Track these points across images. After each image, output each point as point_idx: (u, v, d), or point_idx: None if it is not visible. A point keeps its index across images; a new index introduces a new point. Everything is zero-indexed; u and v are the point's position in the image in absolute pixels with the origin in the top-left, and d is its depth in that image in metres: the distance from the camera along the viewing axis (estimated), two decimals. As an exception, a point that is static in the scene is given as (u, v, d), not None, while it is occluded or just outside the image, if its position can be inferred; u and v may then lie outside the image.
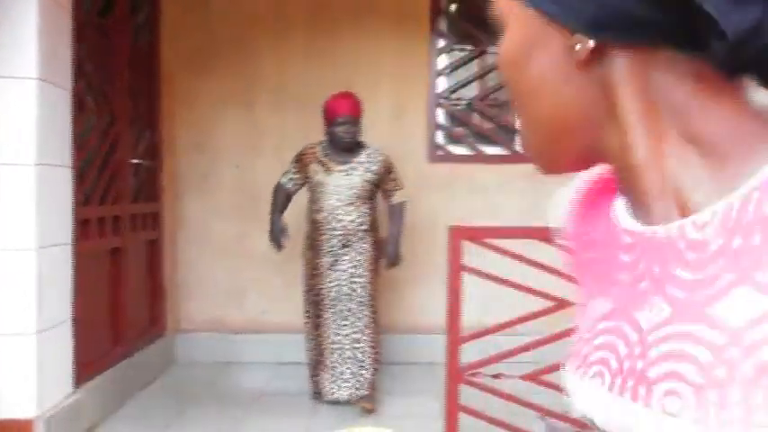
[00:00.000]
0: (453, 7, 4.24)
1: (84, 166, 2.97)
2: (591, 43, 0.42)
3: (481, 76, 4.29)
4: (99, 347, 3.09)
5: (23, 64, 2.41)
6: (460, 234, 2.63)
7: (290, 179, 3.39)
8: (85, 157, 2.98)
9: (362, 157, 3.28)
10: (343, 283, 3.20)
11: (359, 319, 3.20)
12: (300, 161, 3.36)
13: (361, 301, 3.20)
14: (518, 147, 4.24)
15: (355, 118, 3.25)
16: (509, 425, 2.69)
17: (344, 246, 3.21)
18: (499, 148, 4.24)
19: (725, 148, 0.41)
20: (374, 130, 3.88)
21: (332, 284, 3.21)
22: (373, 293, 3.28)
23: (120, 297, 3.34)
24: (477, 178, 4.19)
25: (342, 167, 3.23)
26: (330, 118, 3.24)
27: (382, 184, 3.35)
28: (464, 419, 2.63)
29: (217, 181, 4.11)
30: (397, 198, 3.40)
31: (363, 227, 3.24)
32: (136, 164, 3.63)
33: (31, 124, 2.45)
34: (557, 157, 0.50)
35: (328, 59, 4.08)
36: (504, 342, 2.74)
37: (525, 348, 2.70)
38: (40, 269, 2.47)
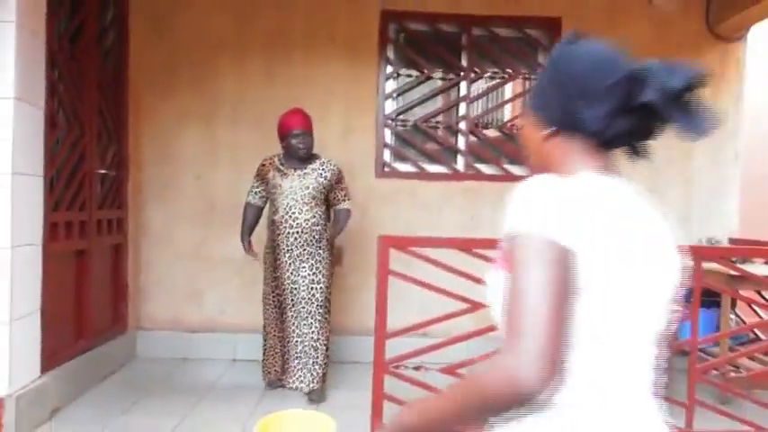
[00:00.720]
0: (401, 37, 4.65)
1: (55, 176, 3.28)
2: (548, 130, 1.08)
3: (425, 100, 4.70)
4: (64, 339, 3.39)
5: (2, 85, 2.74)
6: (388, 242, 3.01)
7: (255, 194, 3.76)
8: (56, 168, 3.29)
9: (316, 164, 3.63)
10: (303, 288, 3.54)
11: (316, 320, 3.56)
12: (260, 173, 3.72)
13: (318, 305, 3.56)
14: (458, 166, 4.65)
15: (307, 131, 3.60)
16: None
17: (302, 246, 3.54)
18: (441, 167, 4.64)
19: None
20: (326, 147, 4.28)
21: (294, 286, 3.55)
22: (329, 297, 3.65)
23: (85, 295, 3.64)
24: (420, 193, 4.58)
25: (297, 172, 3.59)
26: (285, 131, 3.60)
27: (332, 191, 3.69)
28: (392, 409, 3.00)
29: (178, 190, 4.44)
30: (343, 206, 3.76)
31: (318, 227, 3.57)
32: (102, 174, 3.94)
33: (8, 138, 2.78)
34: (539, 169, 1.11)
35: (284, 82, 4.45)
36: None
37: (443, 344, 3.08)
38: (13, 266, 2.79)
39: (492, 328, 2.98)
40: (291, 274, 3.55)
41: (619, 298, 0.97)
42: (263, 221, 3.83)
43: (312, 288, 3.55)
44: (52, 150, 3.22)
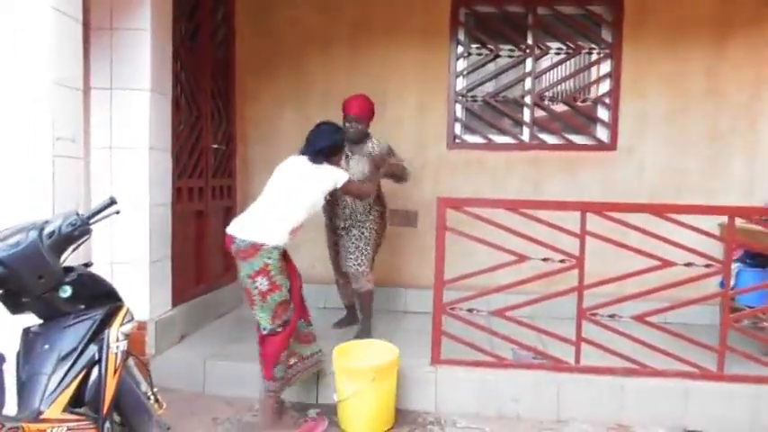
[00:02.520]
0: (470, 19, 5.07)
1: (179, 150, 4.07)
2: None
3: (493, 76, 5.11)
4: (187, 282, 4.21)
5: (141, 81, 3.52)
6: (445, 203, 3.55)
7: None
8: (180, 143, 4.08)
9: (369, 146, 4.05)
10: (351, 246, 4.12)
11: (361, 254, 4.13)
12: None
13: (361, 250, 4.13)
14: (523, 137, 5.05)
15: (358, 117, 3.97)
16: (481, 348, 3.60)
17: (355, 217, 4.07)
18: (507, 138, 5.06)
19: None
20: (404, 122, 4.86)
21: (345, 250, 4.15)
22: (370, 244, 4.14)
23: (203, 248, 4.46)
24: (488, 162, 5.03)
25: (356, 156, 4.02)
26: (343, 114, 4.02)
27: (384, 163, 4.05)
28: (448, 345, 3.56)
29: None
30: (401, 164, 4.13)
31: (369, 200, 4.04)
32: (216, 148, 4.72)
33: (146, 121, 3.56)
34: None
35: (366, 67, 5.03)
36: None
37: (488, 292, 3.58)
38: (151, 221, 3.60)
39: (532, 279, 3.43)
40: (345, 235, 4.12)
41: (271, 185, 3.26)
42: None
43: (358, 245, 4.10)
44: (177, 129, 4.00)
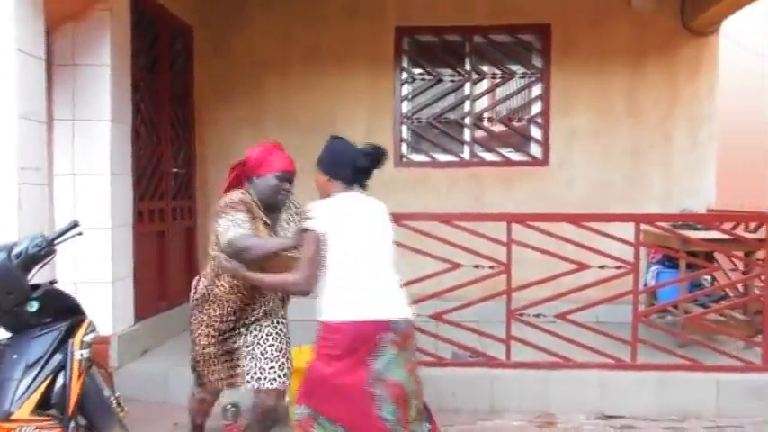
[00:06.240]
0: (413, 47, 5.47)
1: (140, 174, 4.34)
2: (326, 178, 2.49)
3: (436, 100, 5.51)
4: (150, 299, 4.46)
5: (102, 112, 3.81)
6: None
7: None
8: (141, 168, 4.35)
9: (292, 207, 3.08)
10: None
11: None
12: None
13: None
14: (464, 155, 5.45)
15: (293, 176, 2.99)
16: (423, 350, 3.92)
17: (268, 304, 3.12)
18: (449, 156, 5.45)
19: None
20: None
21: None
22: None
23: (165, 266, 4.71)
24: (432, 179, 5.41)
25: (281, 221, 3.06)
26: (263, 173, 3.05)
27: None
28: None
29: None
30: None
31: None
32: (176, 172, 5.00)
33: (106, 148, 3.84)
34: (323, 195, 2.49)
35: (318, 92, 5.38)
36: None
37: (430, 297, 3.93)
38: (114, 241, 3.87)
39: (464, 285, 3.78)
40: (254, 340, 3.36)
41: (347, 246, 2.32)
42: None
43: (280, 346, 3.19)
44: (138, 154, 4.27)
